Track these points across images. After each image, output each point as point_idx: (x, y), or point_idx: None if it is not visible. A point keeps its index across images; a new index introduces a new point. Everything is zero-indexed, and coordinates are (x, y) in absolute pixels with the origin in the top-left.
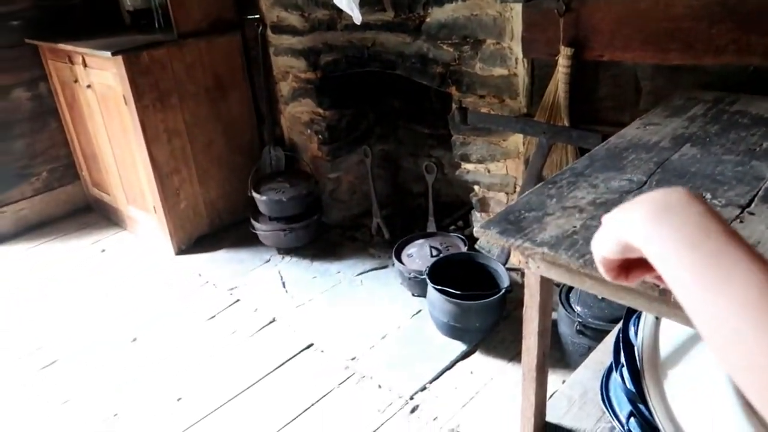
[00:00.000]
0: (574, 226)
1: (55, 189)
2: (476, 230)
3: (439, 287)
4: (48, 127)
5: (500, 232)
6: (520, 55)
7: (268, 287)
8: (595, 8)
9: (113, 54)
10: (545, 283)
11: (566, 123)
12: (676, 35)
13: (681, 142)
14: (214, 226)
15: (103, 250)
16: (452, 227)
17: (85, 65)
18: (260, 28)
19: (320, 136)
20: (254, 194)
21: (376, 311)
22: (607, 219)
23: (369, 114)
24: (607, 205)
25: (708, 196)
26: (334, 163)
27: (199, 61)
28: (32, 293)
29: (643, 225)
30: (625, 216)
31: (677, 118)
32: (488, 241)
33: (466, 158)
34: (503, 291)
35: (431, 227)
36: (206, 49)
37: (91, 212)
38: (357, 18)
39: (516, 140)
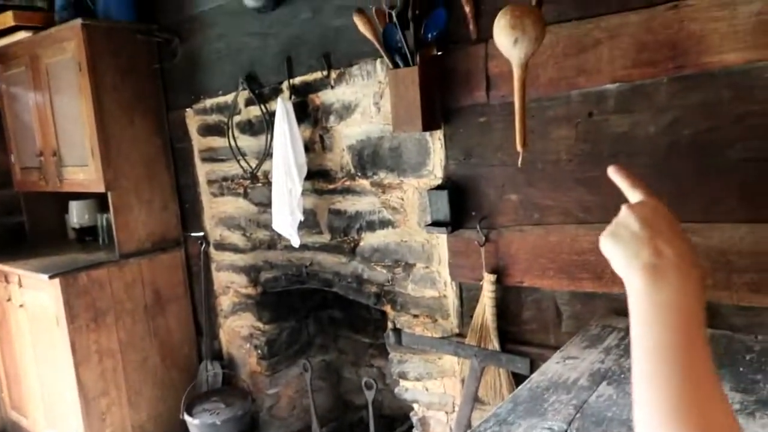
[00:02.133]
0: None
1: None
2: None
3: None
4: None
5: None
6: (449, 279)
7: None
8: (511, 239)
9: (50, 277)
10: None
11: (496, 344)
12: (585, 266)
13: (598, 379)
14: None
15: None
16: None
17: (20, 285)
18: (203, 245)
19: (259, 351)
20: (186, 417)
21: None
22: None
23: (309, 325)
24: None
25: None
26: (273, 378)
27: (140, 278)
28: None
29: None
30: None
31: (594, 350)
32: None
33: (404, 376)
34: None
35: None
36: (148, 267)
37: None
38: (295, 242)
39: (451, 359)
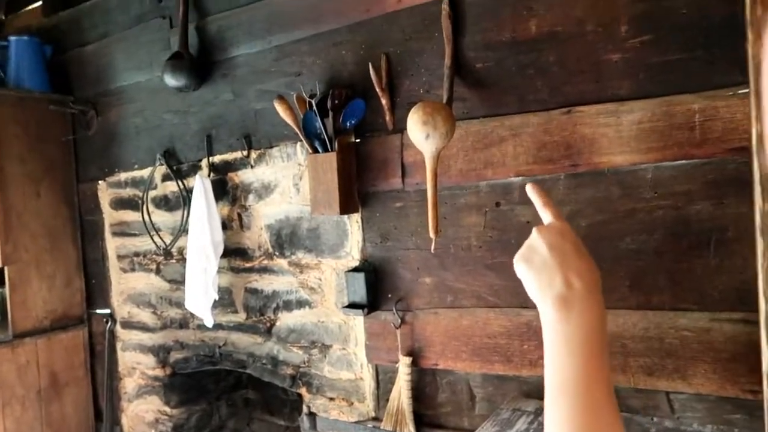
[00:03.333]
0: None
1: None
2: None
3: None
4: None
5: None
6: (365, 361)
7: None
8: (425, 322)
9: None
10: None
11: (411, 429)
12: (496, 349)
13: None
14: None
15: None
16: None
17: None
18: (109, 323)
19: None
20: None
21: None
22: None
23: (221, 408)
24: None
25: None
26: None
27: (35, 360)
28: None
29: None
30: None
31: None
32: None
33: None
34: None
35: None
36: (45, 347)
37: None
38: (208, 322)
39: None
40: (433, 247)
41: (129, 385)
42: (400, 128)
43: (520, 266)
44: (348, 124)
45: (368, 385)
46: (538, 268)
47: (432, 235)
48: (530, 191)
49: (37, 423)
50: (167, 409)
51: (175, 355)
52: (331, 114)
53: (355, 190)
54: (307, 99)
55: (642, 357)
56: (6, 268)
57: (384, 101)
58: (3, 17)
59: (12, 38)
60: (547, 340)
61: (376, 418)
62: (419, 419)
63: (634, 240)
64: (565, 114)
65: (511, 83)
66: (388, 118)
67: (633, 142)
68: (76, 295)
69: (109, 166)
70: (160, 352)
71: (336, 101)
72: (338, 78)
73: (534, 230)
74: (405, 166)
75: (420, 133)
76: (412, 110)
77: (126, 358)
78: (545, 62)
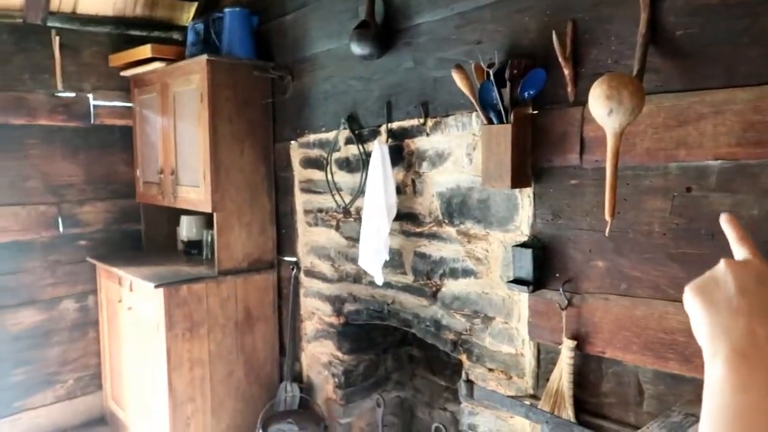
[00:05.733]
0: None
1: (76, 398)
2: None
3: None
4: (86, 336)
5: None
6: (527, 338)
7: None
8: (594, 307)
9: (156, 286)
10: None
11: (570, 413)
12: (672, 346)
13: None
14: None
15: None
16: None
17: (131, 289)
18: (294, 270)
19: (336, 379)
20: None
21: None
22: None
23: (387, 360)
24: None
25: None
26: (347, 408)
27: (234, 295)
28: None
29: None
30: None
31: None
32: None
33: (473, 428)
34: None
35: None
36: (242, 285)
37: (104, 426)
38: (378, 280)
39: (523, 420)
40: (607, 230)
41: (308, 327)
42: (582, 101)
43: (693, 299)
44: (526, 94)
45: (528, 362)
46: (717, 308)
47: (607, 217)
48: (724, 222)
49: (234, 349)
50: (339, 354)
51: (349, 307)
52: (508, 84)
53: (529, 164)
54: (485, 68)
55: None
56: (215, 215)
57: (566, 71)
58: None
59: (227, 10)
60: (708, 401)
61: (534, 396)
62: (579, 405)
63: None
64: None
65: (718, 53)
66: (569, 89)
67: None
68: (268, 243)
69: (300, 128)
70: (336, 302)
71: (515, 71)
72: (519, 46)
73: (722, 262)
74: (584, 141)
75: (602, 108)
76: (596, 83)
77: (307, 303)
78: (763, 28)
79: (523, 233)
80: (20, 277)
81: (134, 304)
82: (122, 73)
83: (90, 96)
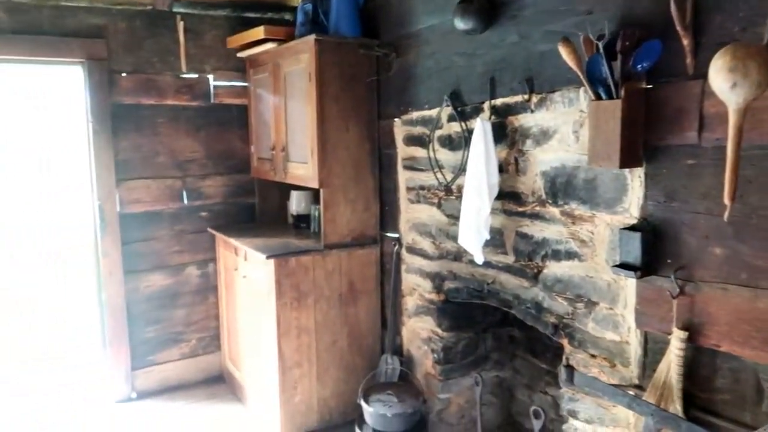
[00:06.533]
0: None
1: (198, 356)
2: None
3: None
4: (206, 300)
5: None
6: (633, 325)
7: None
8: (709, 297)
9: (268, 257)
10: None
11: (678, 408)
12: None
13: None
14: (323, 423)
15: (218, 426)
16: None
17: (245, 259)
18: (396, 246)
19: (435, 355)
20: (362, 402)
21: None
22: None
23: (487, 339)
24: None
25: None
26: (446, 384)
27: (338, 268)
28: None
29: None
30: None
31: None
32: None
33: (573, 414)
34: None
35: None
36: (346, 259)
37: (222, 384)
38: (478, 259)
39: (626, 410)
40: (726, 214)
41: (409, 303)
42: (702, 74)
43: None
44: (639, 67)
45: (634, 350)
46: None
47: (727, 200)
48: None
49: (338, 320)
50: (439, 330)
51: (448, 284)
52: (619, 57)
53: (640, 143)
54: (595, 41)
55: None
56: (322, 190)
57: (685, 42)
58: None
59: None
60: None
61: (639, 387)
62: (689, 399)
63: None
64: None
65: None
66: (688, 61)
67: None
68: (371, 219)
69: (404, 105)
70: (436, 279)
71: (626, 42)
72: (632, 16)
73: None
74: (704, 118)
75: (724, 82)
76: (718, 54)
77: (408, 279)
78: None
79: (631, 215)
80: (151, 244)
81: (248, 273)
82: (238, 54)
83: (210, 77)
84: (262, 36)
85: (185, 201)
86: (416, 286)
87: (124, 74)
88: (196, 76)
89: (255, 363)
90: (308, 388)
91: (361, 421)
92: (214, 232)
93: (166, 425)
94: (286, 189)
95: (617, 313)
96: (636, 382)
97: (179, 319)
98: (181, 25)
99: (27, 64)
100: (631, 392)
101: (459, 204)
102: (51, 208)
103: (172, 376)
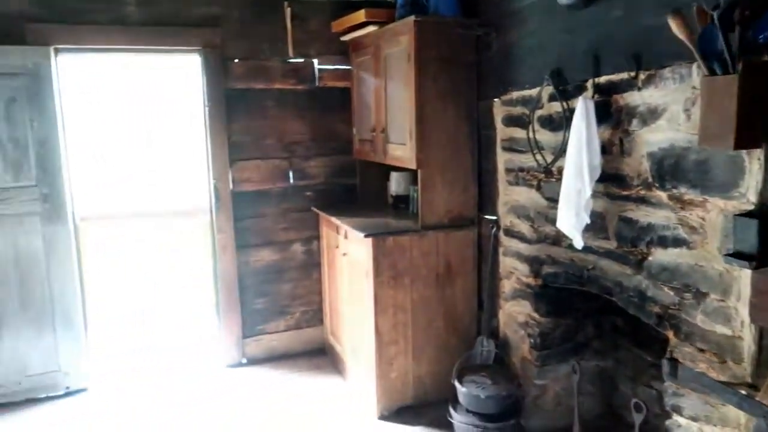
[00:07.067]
0: None
1: (302, 329)
2: None
3: None
4: (310, 277)
5: None
6: (747, 320)
7: None
8: None
9: (366, 236)
10: None
11: None
12: None
13: None
14: (417, 400)
15: (319, 396)
16: None
17: (346, 237)
18: (494, 229)
19: (532, 340)
20: (456, 383)
21: None
22: None
23: (587, 327)
24: None
25: None
26: (542, 370)
27: (435, 249)
28: (251, 413)
29: None
30: None
31: None
32: None
33: (677, 410)
34: None
35: None
36: (443, 240)
37: (323, 356)
38: (578, 243)
39: (735, 410)
40: None
41: (506, 286)
42: None
43: None
44: (760, 39)
45: (747, 346)
46: None
47: None
48: None
49: (434, 300)
50: (536, 315)
51: (547, 269)
52: (737, 28)
53: (760, 121)
54: (709, 11)
55: None
56: (419, 171)
57: None
58: None
59: None
60: None
61: (753, 386)
62: None
63: None
64: None
65: None
66: None
67: None
68: (469, 200)
69: (503, 85)
70: (534, 263)
71: (746, 12)
72: None
73: None
74: None
75: None
76: None
77: (506, 262)
78: None
79: (749, 201)
80: (260, 221)
81: (348, 251)
82: (342, 38)
83: (315, 61)
84: (363, 19)
85: (291, 181)
86: (513, 270)
87: (236, 60)
88: (302, 60)
89: (354, 338)
90: (404, 365)
91: (455, 401)
92: (317, 210)
93: (272, 391)
94: (386, 170)
95: (729, 305)
96: (748, 380)
97: (285, 292)
98: (288, 11)
99: (152, 54)
100: (742, 391)
101: (559, 187)
102: (174, 186)
103: (278, 345)
